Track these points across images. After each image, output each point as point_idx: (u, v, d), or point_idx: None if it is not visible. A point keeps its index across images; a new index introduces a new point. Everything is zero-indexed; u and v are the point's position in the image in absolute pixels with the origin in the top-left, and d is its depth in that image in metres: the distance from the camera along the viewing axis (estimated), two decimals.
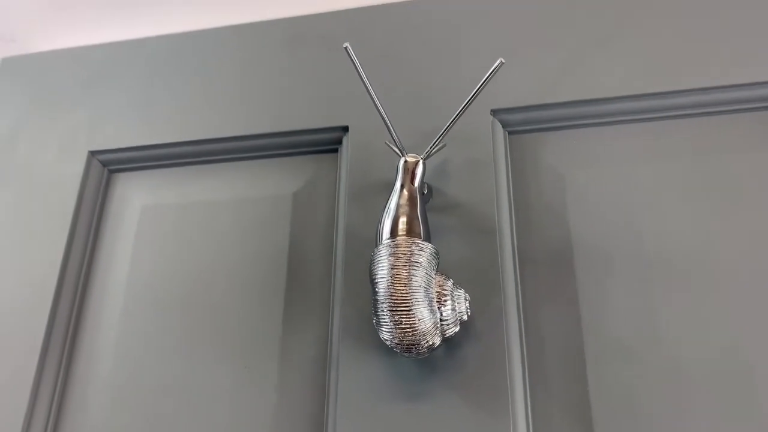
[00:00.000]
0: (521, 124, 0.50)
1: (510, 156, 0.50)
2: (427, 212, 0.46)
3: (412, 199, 0.42)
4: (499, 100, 0.49)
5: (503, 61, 0.38)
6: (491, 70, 0.40)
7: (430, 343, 0.39)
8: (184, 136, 0.55)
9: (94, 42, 0.64)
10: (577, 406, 0.41)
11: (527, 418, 0.41)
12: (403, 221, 0.41)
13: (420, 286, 0.39)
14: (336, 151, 0.53)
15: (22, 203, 0.56)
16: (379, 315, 0.39)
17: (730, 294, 0.42)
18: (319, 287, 0.48)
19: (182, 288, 0.51)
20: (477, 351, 0.42)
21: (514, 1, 0.53)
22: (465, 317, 0.41)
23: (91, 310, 0.52)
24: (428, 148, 0.44)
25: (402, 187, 0.43)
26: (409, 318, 0.38)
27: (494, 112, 0.49)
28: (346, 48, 0.40)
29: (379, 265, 0.40)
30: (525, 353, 0.43)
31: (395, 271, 0.39)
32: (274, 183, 0.54)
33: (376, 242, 0.42)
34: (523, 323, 0.44)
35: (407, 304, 0.38)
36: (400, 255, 0.39)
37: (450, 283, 0.41)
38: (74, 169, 0.56)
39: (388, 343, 0.39)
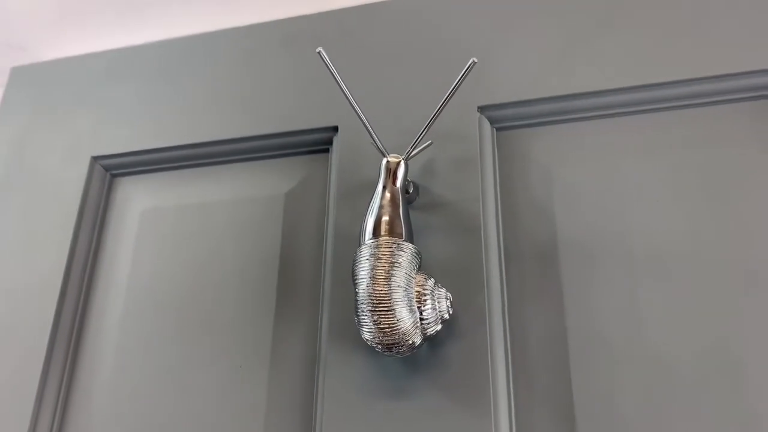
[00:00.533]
0: (508, 120, 0.50)
1: (497, 152, 0.49)
2: (413, 211, 0.46)
3: (394, 199, 0.43)
4: (486, 96, 0.49)
5: (475, 60, 0.38)
6: (464, 70, 0.40)
7: (411, 342, 0.39)
8: (180, 139, 0.56)
9: (101, 49, 0.65)
10: (560, 403, 0.41)
11: (510, 415, 0.41)
12: (385, 221, 0.41)
13: (399, 286, 0.39)
14: (327, 151, 0.54)
15: (28, 207, 0.58)
16: (359, 315, 0.39)
17: (716, 291, 0.41)
18: (310, 287, 0.49)
19: (179, 289, 0.52)
20: (460, 349, 0.42)
21: None
22: (446, 316, 0.41)
23: (95, 311, 0.54)
24: (409, 148, 0.44)
25: (384, 187, 0.43)
26: (388, 318, 0.39)
27: (481, 109, 0.49)
28: (319, 52, 0.40)
29: (361, 265, 0.40)
30: (509, 350, 0.43)
31: (375, 271, 0.39)
32: (267, 184, 0.54)
33: (359, 242, 0.42)
34: (507, 320, 0.44)
35: (386, 304, 0.39)
36: (380, 255, 0.40)
37: (431, 282, 0.41)
38: (77, 173, 0.58)
39: (369, 342, 0.40)
